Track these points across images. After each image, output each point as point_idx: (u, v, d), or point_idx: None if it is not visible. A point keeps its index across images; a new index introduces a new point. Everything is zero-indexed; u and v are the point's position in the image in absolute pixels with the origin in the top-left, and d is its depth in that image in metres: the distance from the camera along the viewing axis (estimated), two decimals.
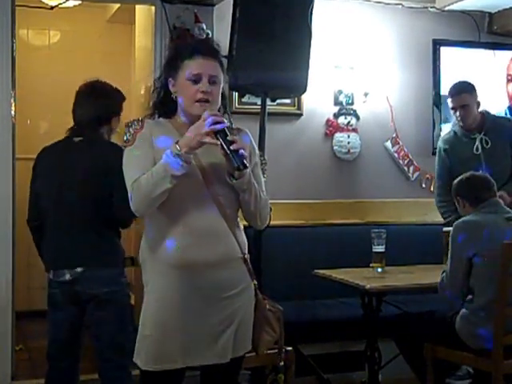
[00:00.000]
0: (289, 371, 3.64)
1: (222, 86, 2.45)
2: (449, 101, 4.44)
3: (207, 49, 2.44)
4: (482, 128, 4.41)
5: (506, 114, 5.48)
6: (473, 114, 4.39)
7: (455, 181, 3.78)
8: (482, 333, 3.45)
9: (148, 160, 2.33)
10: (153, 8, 4.58)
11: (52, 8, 5.64)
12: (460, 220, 3.60)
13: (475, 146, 4.37)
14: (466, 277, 3.49)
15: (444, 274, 3.58)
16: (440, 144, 4.58)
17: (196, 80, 2.37)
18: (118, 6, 5.74)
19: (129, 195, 2.32)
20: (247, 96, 4.63)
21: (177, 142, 2.27)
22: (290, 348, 3.56)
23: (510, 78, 5.56)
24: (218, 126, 2.26)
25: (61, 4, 5.56)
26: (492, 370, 3.41)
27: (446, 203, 4.34)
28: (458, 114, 4.38)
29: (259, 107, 4.15)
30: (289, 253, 4.59)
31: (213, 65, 2.41)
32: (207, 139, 2.26)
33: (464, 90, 4.39)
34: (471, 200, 3.63)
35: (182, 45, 2.64)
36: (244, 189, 2.37)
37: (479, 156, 4.35)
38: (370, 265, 3.94)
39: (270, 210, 2.57)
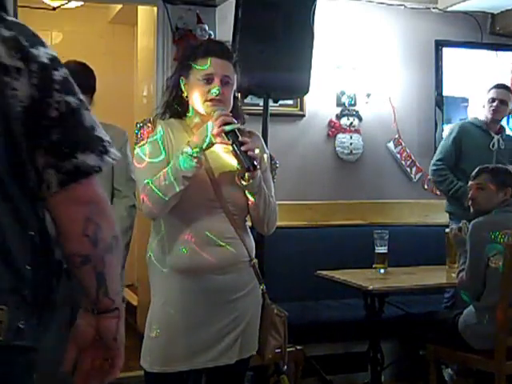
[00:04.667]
0: (297, 371, 3.66)
1: (234, 87, 2.43)
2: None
3: (221, 49, 2.42)
4: (499, 133, 4.64)
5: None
6: (503, 114, 4.62)
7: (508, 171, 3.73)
8: (485, 333, 3.44)
9: (161, 161, 2.31)
10: (155, 9, 4.57)
11: (54, 9, 5.66)
12: (477, 220, 3.55)
13: (492, 142, 4.57)
14: (484, 276, 3.46)
15: (464, 273, 3.53)
16: (455, 128, 4.68)
17: (208, 80, 2.35)
18: (120, 6, 5.75)
19: (141, 198, 2.30)
20: (249, 97, 4.62)
21: (187, 143, 2.26)
22: (300, 347, 3.58)
23: None
24: (229, 127, 2.25)
25: (63, 5, 5.58)
26: (495, 370, 3.40)
27: (446, 174, 4.54)
28: (494, 104, 4.54)
29: (261, 108, 4.13)
30: (291, 254, 4.58)
31: (226, 65, 2.39)
32: (218, 139, 2.25)
33: (510, 91, 4.65)
34: None
35: (195, 44, 2.63)
36: (254, 192, 2.36)
37: (492, 153, 4.54)
38: (373, 266, 3.93)
39: None
